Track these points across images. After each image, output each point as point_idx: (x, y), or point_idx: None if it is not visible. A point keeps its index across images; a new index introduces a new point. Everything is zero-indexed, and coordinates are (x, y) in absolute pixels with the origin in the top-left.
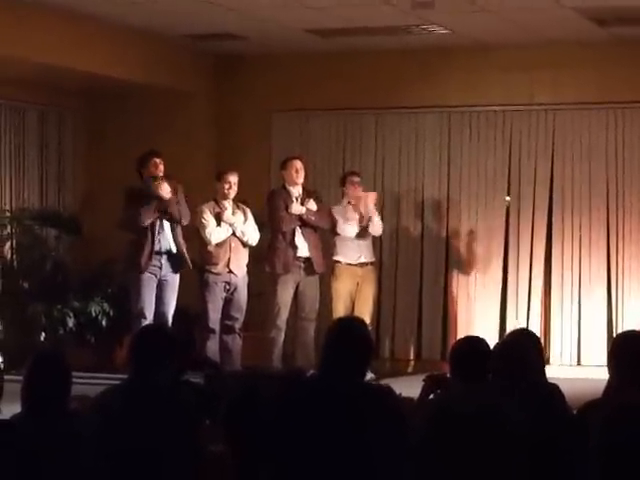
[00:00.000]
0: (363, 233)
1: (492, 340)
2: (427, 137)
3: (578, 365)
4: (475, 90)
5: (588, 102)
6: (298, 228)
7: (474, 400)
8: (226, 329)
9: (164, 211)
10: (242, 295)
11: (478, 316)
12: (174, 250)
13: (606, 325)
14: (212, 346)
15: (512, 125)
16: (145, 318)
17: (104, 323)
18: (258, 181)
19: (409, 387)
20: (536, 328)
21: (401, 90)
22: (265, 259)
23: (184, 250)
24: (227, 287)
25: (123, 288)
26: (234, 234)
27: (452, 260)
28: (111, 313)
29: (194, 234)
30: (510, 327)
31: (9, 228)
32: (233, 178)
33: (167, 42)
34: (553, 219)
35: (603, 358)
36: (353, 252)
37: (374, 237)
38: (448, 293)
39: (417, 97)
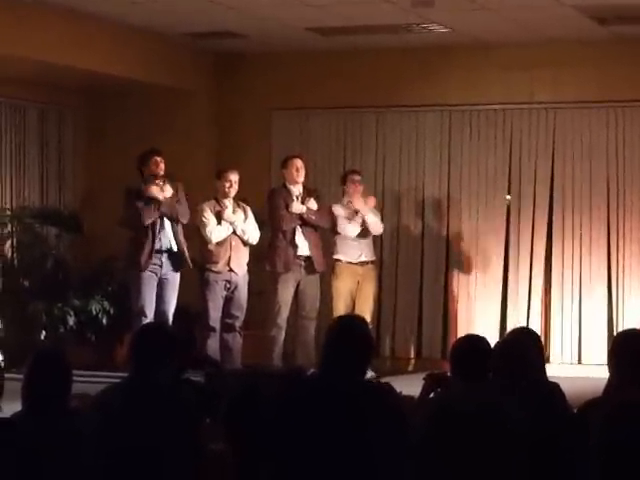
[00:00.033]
0: (363, 232)
1: (492, 339)
2: (427, 136)
3: (579, 364)
4: (475, 89)
5: (588, 101)
6: (298, 227)
7: (474, 399)
8: (226, 327)
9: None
10: (242, 293)
11: (478, 314)
12: (175, 248)
13: (606, 324)
14: (212, 344)
15: (512, 124)
16: (145, 316)
17: (104, 321)
18: (258, 179)
19: (409, 386)
20: (536, 327)
21: (401, 89)
22: (265, 258)
23: (184, 249)
24: (227, 285)
25: (124, 286)
26: (234, 233)
27: (452, 259)
28: (111, 311)
29: (194, 232)
30: (510, 325)
31: (10, 226)
32: (234, 176)
33: (167, 40)
34: (553, 218)
35: (603, 357)
36: (354, 251)
37: (374, 236)
38: (449, 292)
39: (417, 96)
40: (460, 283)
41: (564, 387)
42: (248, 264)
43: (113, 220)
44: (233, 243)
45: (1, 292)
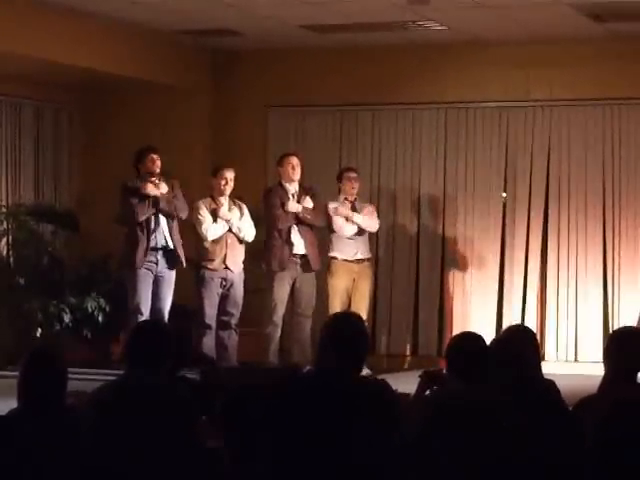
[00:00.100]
0: (359, 230)
1: (488, 336)
2: (424, 133)
3: (575, 361)
4: (472, 86)
5: (584, 98)
6: (294, 225)
7: (470, 396)
8: (222, 325)
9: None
10: (238, 291)
11: (474, 312)
12: (170, 246)
13: (602, 321)
14: (208, 342)
15: (509, 121)
16: (141, 314)
17: (100, 319)
18: (254, 177)
19: (405, 383)
20: (532, 324)
21: (398, 86)
22: (261, 257)
23: (179, 247)
24: (223, 283)
25: (119, 284)
26: (230, 230)
27: (448, 256)
28: (107, 309)
29: (190, 230)
30: (506, 323)
31: (5, 224)
32: (229, 174)
33: (164, 38)
34: (549, 215)
35: (599, 354)
36: (349, 248)
37: (370, 233)
38: (444, 289)
39: (414, 93)
40: (456, 281)
41: (559, 384)
42: (244, 262)
43: (109, 217)
44: (229, 241)
45: None
